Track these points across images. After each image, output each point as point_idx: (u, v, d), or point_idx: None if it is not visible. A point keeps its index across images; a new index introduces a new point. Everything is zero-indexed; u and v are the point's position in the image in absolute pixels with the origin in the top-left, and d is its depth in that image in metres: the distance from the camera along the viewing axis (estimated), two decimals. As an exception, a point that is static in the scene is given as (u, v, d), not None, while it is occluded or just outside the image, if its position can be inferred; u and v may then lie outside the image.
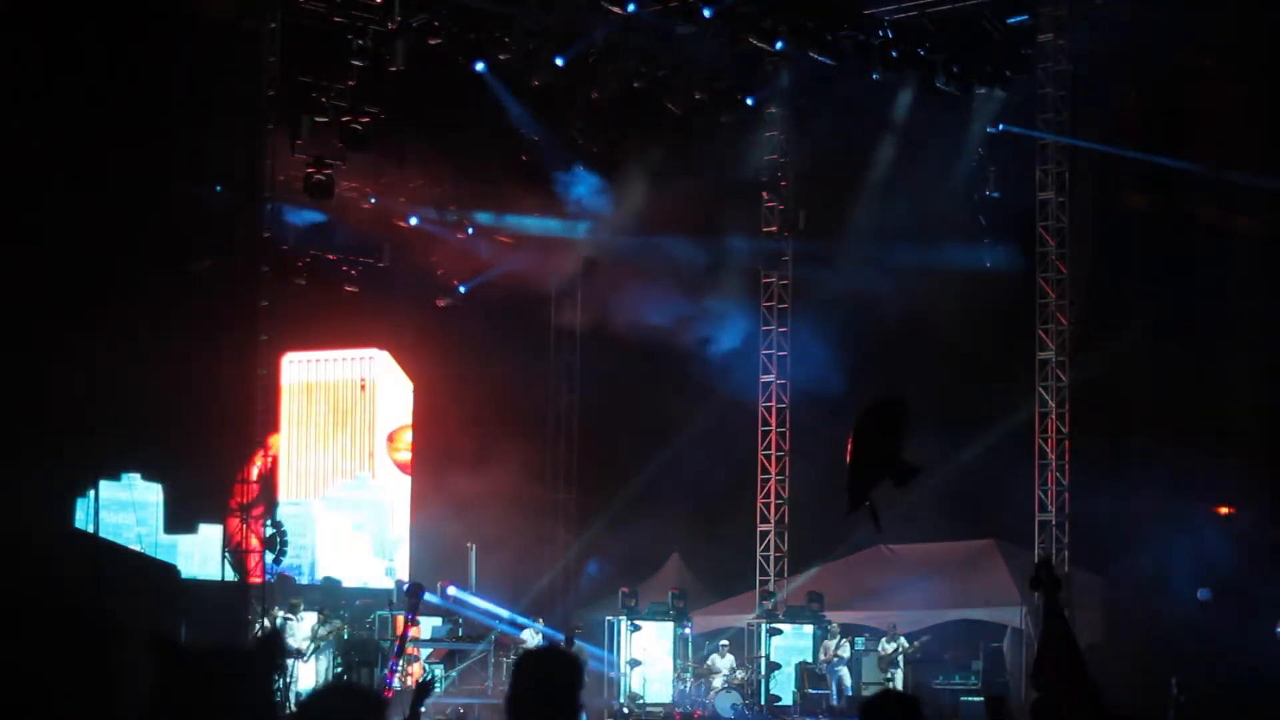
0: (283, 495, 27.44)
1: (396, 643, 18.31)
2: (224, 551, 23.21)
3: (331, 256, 28.44)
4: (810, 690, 27.11)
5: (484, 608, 27.48)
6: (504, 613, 27.32)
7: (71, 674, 15.40)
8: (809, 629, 27.75)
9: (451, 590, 27.25)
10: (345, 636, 24.74)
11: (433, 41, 25.11)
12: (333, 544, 29.42)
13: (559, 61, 25.58)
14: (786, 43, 25.61)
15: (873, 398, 10.76)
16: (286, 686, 22.27)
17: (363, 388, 30.59)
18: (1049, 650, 10.49)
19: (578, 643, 25.81)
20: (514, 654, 25.68)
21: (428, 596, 26.94)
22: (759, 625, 28.01)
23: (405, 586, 15.56)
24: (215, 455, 24.92)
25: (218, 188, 24.30)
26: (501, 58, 25.63)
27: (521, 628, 26.61)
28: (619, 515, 28.91)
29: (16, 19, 22.96)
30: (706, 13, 24.37)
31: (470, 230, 29.42)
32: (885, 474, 10.19)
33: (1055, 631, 10.35)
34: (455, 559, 28.40)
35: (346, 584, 27.83)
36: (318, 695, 5.71)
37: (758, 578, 29.56)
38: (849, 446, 10.39)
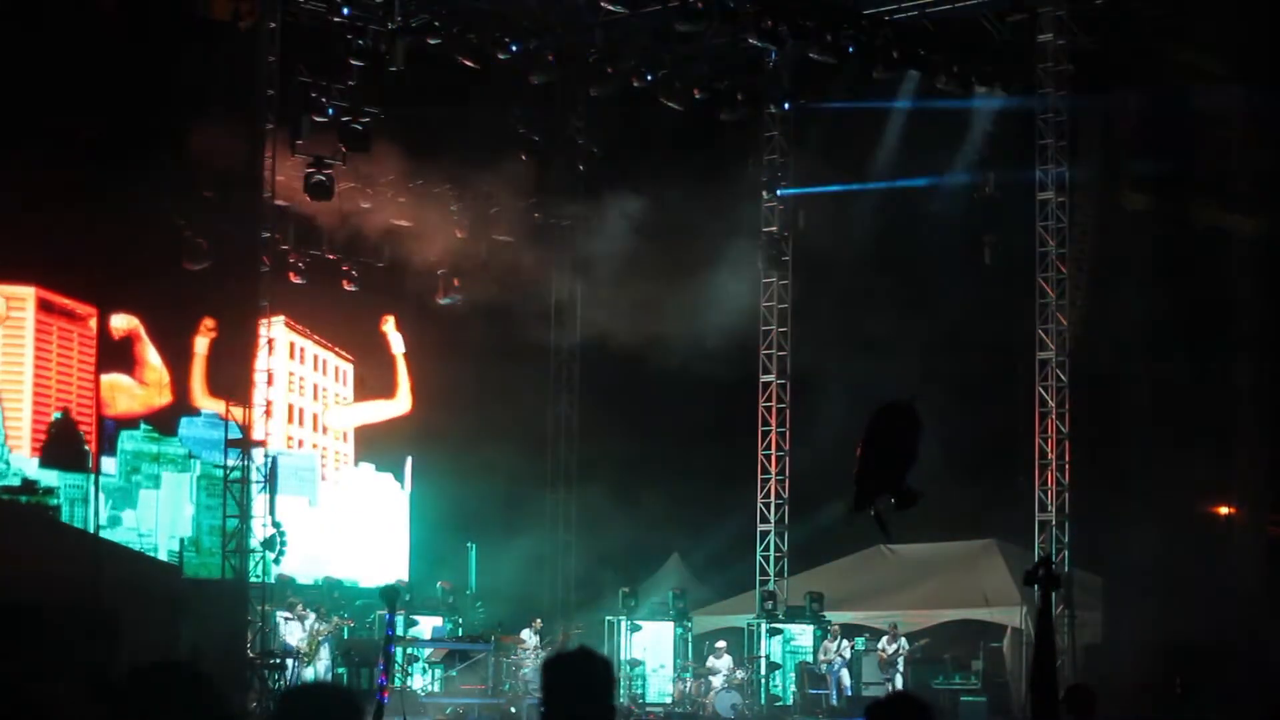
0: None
1: (381, 655, 18.25)
2: (224, 551, 23.20)
3: (331, 256, 28.45)
4: (810, 690, 27.11)
5: (483, 609, 27.52)
6: (504, 609, 27.37)
7: (71, 674, 15.40)
8: (809, 629, 27.76)
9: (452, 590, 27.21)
10: (345, 635, 24.76)
11: (433, 41, 25.10)
12: (332, 542, 29.37)
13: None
14: (786, 43, 25.59)
15: (884, 402, 10.75)
16: (286, 687, 22.28)
17: (360, 384, 30.59)
18: (1040, 649, 10.58)
19: (574, 642, 25.81)
20: (512, 654, 25.71)
21: (428, 595, 27.01)
22: (759, 625, 28.00)
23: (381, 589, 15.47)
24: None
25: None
26: (501, 58, 25.64)
27: (518, 631, 26.57)
28: (618, 514, 28.89)
29: (17, 19, 22.98)
30: None
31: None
32: (889, 493, 10.20)
33: (1043, 632, 10.47)
34: (455, 559, 28.41)
35: (347, 583, 27.79)
36: (293, 696, 5.67)
37: (757, 577, 29.55)
38: (859, 448, 10.40)
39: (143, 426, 26.73)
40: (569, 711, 5.47)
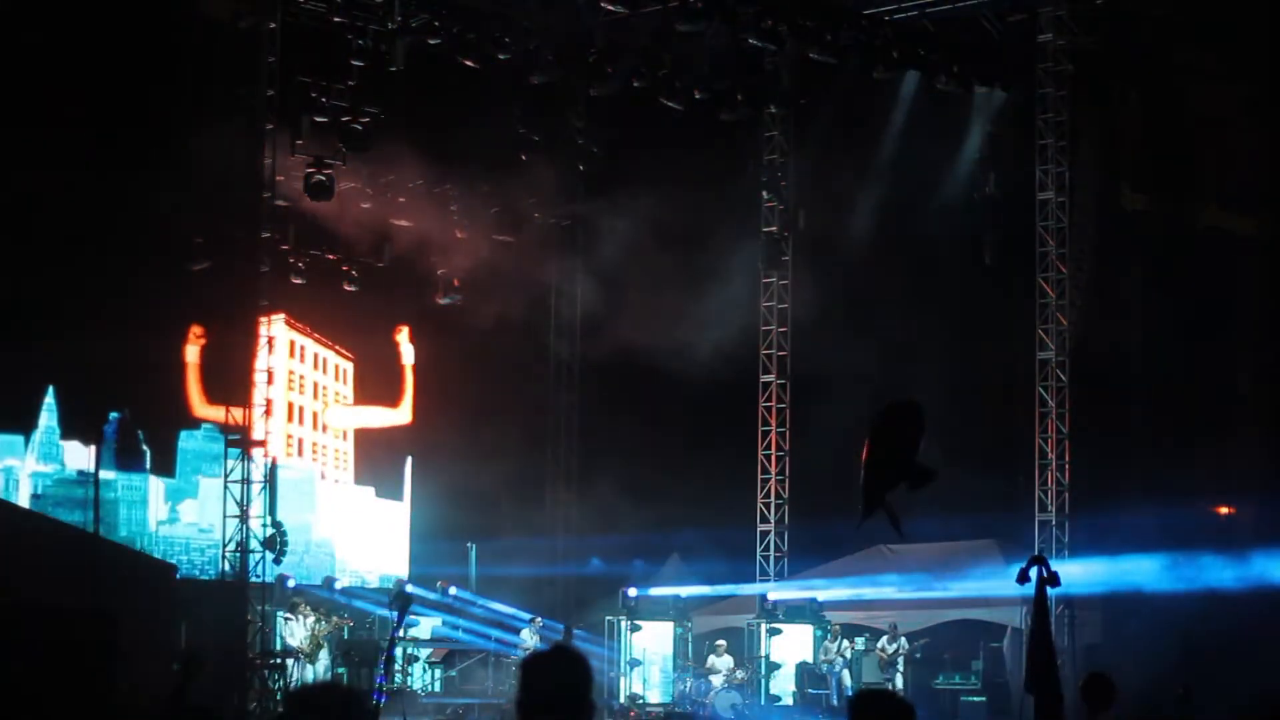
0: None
1: (384, 654, 18.34)
2: (223, 551, 23.20)
3: (331, 256, 28.44)
4: (810, 690, 27.09)
5: (484, 609, 27.54)
6: (505, 608, 27.42)
7: (70, 675, 15.39)
8: (809, 629, 27.75)
9: (453, 590, 27.29)
10: (345, 635, 24.76)
11: (433, 41, 25.11)
12: (333, 543, 29.38)
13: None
14: (786, 43, 25.59)
15: (889, 401, 10.75)
16: (286, 686, 22.30)
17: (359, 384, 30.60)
18: (1035, 647, 10.63)
19: (575, 641, 25.84)
20: (512, 654, 25.73)
21: (428, 594, 27.03)
22: (759, 625, 27.98)
23: (390, 594, 15.51)
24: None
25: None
26: (501, 58, 25.63)
27: (518, 630, 26.62)
28: (619, 514, 28.89)
29: (17, 20, 22.99)
30: None
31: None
32: (901, 478, 10.18)
33: (1041, 630, 10.50)
34: (455, 558, 28.41)
35: (347, 583, 27.80)
36: (302, 694, 5.67)
37: (757, 578, 29.55)
38: (865, 449, 10.40)
39: (203, 427, 26.94)
40: (546, 710, 5.45)
